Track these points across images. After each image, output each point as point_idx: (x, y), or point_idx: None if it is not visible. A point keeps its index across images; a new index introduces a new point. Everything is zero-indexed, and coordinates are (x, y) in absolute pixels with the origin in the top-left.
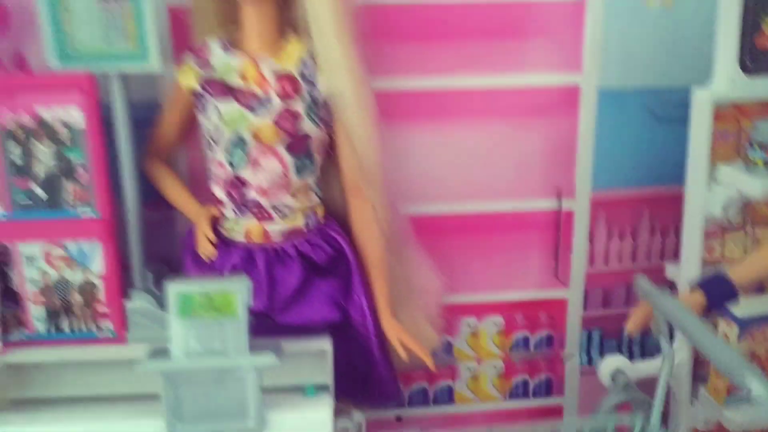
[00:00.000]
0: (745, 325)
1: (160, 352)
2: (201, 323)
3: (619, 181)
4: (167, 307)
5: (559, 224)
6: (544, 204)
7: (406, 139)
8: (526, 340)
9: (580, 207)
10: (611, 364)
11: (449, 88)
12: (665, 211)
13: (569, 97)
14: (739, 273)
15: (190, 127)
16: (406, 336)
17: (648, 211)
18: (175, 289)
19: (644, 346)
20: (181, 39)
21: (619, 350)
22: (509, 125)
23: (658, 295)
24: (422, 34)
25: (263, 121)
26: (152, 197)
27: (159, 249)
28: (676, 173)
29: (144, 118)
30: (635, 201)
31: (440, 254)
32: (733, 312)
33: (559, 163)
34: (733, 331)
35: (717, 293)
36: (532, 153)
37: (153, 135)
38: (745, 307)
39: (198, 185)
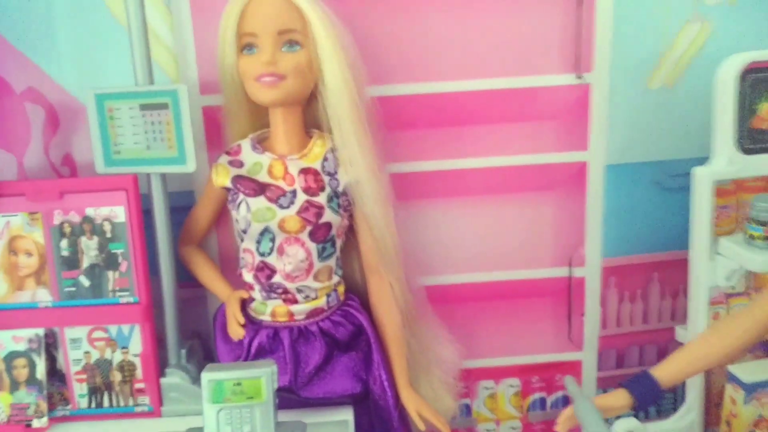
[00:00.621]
0: (752, 390)
1: None
2: (231, 407)
3: (628, 248)
4: (200, 384)
5: (570, 291)
6: (557, 272)
7: (422, 216)
8: (543, 401)
9: (591, 274)
10: (624, 426)
11: (462, 168)
12: (674, 275)
13: (577, 172)
14: (665, 371)
15: (220, 215)
16: (424, 407)
17: (657, 275)
18: (208, 377)
19: (659, 405)
20: (213, 133)
21: (634, 410)
22: (520, 200)
23: (577, 396)
24: (435, 120)
25: (289, 214)
26: (184, 276)
27: (190, 324)
28: (683, 239)
29: (177, 205)
30: (645, 266)
31: (457, 322)
32: (740, 377)
33: (570, 233)
34: (739, 395)
35: (642, 393)
36: (544, 224)
37: (187, 223)
38: (751, 371)
39: (227, 266)
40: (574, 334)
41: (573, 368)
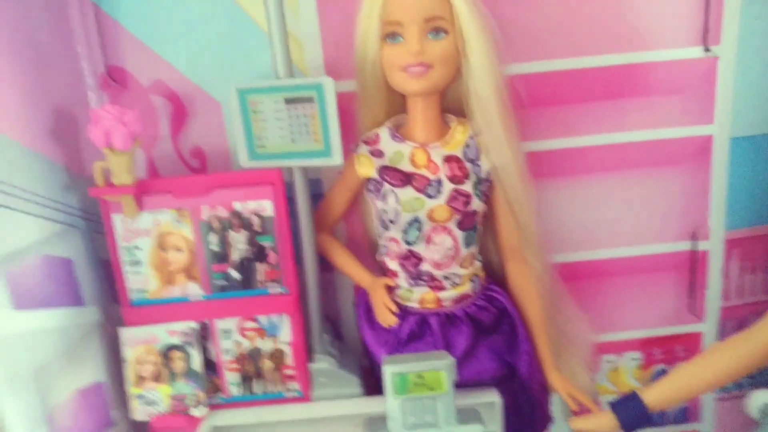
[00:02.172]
0: None
1: (377, 424)
2: (414, 399)
3: (751, 219)
4: (346, 368)
5: (694, 264)
6: (680, 246)
7: (547, 195)
8: (664, 372)
9: (714, 247)
10: (760, 398)
11: (585, 145)
12: None
13: (703, 146)
14: (655, 394)
15: (354, 204)
16: (574, 389)
17: None
18: (390, 370)
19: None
20: (345, 122)
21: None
22: (645, 176)
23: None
24: (560, 98)
25: (438, 203)
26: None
27: (324, 308)
28: None
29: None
30: (766, 237)
31: (581, 297)
32: None
33: (694, 207)
34: None
35: (628, 417)
36: (668, 199)
37: (320, 211)
38: None
39: (355, 252)
40: (696, 306)
41: (694, 340)
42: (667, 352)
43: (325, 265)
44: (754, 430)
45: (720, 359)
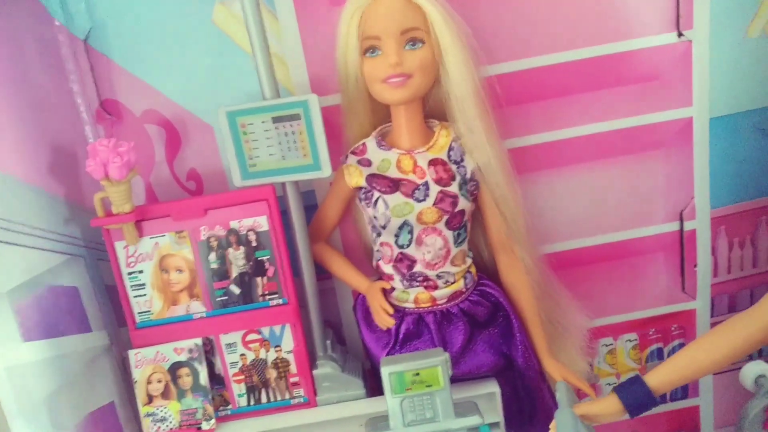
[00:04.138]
0: None
1: (379, 424)
2: (413, 396)
3: (736, 196)
4: (349, 372)
5: (682, 244)
6: (668, 227)
7: (536, 187)
8: (660, 351)
9: (701, 225)
10: (753, 370)
11: (570, 137)
12: None
13: (683, 128)
14: (658, 377)
15: (347, 212)
16: (569, 373)
17: (765, 219)
18: (388, 370)
19: None
20: (328, 133)
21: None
22: (630, 161)
23: (561, 404)
24: (541, 93)
25: (426, 206)
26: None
27: (324, 315)
28: None
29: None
30: (752, 212)
31: (575, 285)
32: None
33: (679, 188)
34: None
35: (633, 400)
36: (654, 182)
37: (315, 221)
38: None
39: (352, 258)
40: (688, 284)
41: (687, 317)
42: (661, 331)
43: (323, 273)
44: (749, 401)
45: (720, 341)
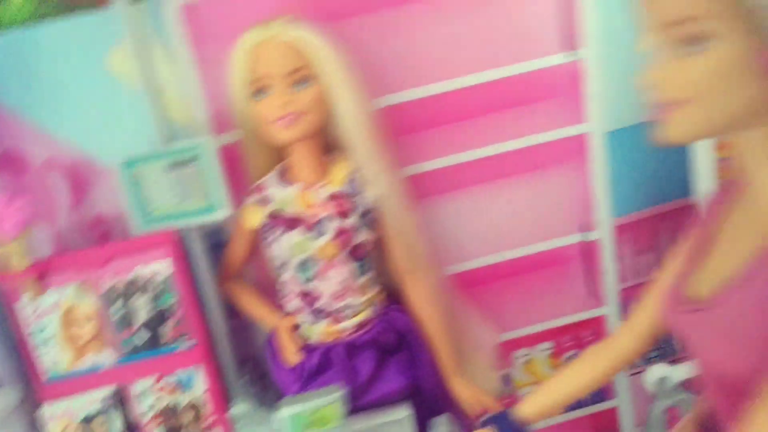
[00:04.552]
0: None
1: None
2: None
3: (636, 205)
4: (266, 407)
5: (588, 254)
6: (573, 238)
7: (441, 210)
8: (576, 357)
9: (604, 235)
10: (655, 373)
11: (471, 159)
12: (680, 222)
13: (580, 144)
14: (528, 407)
15: (257, 249)
16: (476, 392)
17: (664, 224)
18: (286, 413)
19: None
20: (233, 170)
21: (658, 350)
22: (532, 179)
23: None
24: (439, 119)
25: (324, 241)
26: (230, 309)
27: (243, 351)
28: (683, 188)
29: (210, 243)
30: (653, 218)
31: (487, 301)
32: None
33: (581, 201)
34: None
35: (505, 429)
36: (556, 197)
37: (225, 260)
38: None
39: (266, 294)
40: (596, 292)
41: (598, 323)
42: (575, 338)
43: (237, 311)
44: (654, 403)
45: (584, 369)
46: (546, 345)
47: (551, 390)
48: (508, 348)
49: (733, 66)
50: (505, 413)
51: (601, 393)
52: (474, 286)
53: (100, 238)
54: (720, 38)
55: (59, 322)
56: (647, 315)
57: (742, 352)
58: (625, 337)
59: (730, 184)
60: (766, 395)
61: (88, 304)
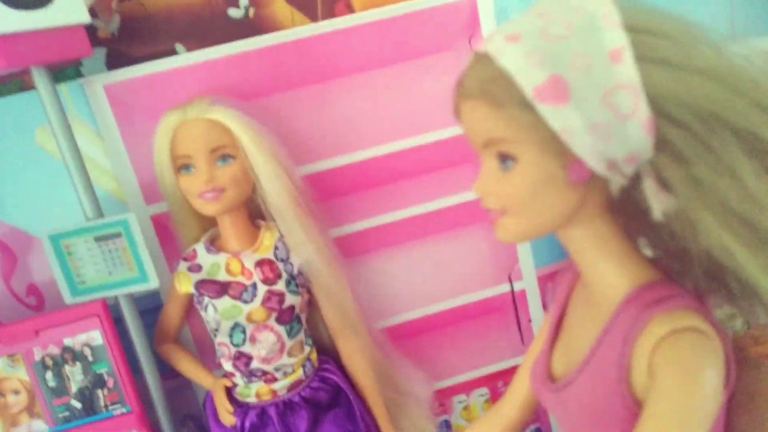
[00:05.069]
0: None
1: None
2: None
3: (556, 256)
4: None
5: (515, 302)
6: (500, 289)
7: (371, 268)
8: None
9: (529, 284)
10: None
11: (396, 219)
12: None
13: None
14: None
15: (190, 310)
16: None
17: None
18: None
19: None
20: (165, 237)
21: None
22: (456, 235)
23: None
24: (362, 183)
25: (254, 307)
26: (166, 370)
27: (182, 409)
28: None
29: (144, 308)
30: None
31: (420, 351)
32: None
33: (504, 254)
34: None
35: None
36: (480, 251)
37: (159, 324)
38: None
39: (204, 353)
40: (526, 338)
41: None
42: (509, 382)
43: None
44: None
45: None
46: (482, 390)
47: None
48: (447, 394)
49: (539, 182)
50: None
51: None
52: (408, 338)
53: (32, 309)
54: (525, 158)
55: None
56: (523, 387)
57: (595, 430)
58: (508, 406)
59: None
60: None
61: (19, 375)
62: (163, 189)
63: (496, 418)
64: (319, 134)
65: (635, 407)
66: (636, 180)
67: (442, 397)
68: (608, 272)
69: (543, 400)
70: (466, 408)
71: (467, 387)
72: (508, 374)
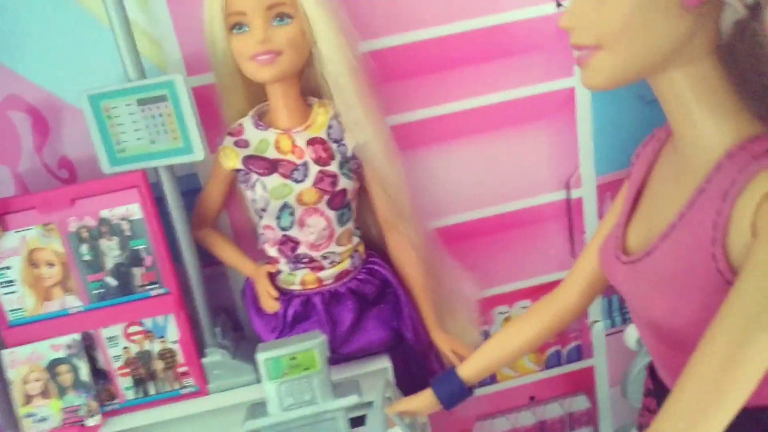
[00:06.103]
0: None
1: (257, 410)
2: (290, 381)
3: (620, 163)
4: (240, 358)
5: (570, 211)
6: (555, 196)
7: (423, 162)
8: None
9: (587, 193)
10: (635, 331)
11: (454, 111)
12: None
13: (566, 99)
14: (470, 368)
15: (231, 195)
16: (456, 344)
17: None
18: (263, 356)
19: None
20: (206, 113)
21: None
22: (515, 133)
23: (375, 406)
24: (422, 68)
25: (305, 187)
26: (203, 257)
27: (217, 301)
28: None
29: (183, 189)
30: None
31: (468, 256)
32: None
33: (564, 158)
34: None
35: (446, 393)
36: (539, 153)
37: (198, 207)
38: None
39: (242, 242)
40: (577, 251)
41: None
42: None
43: (213, 258)
44: (634, 360)
45: (524, 326)
46: (525, 302)
47: (491, 350)
48: (488, 304)
49: (645, 3)
50: (449, 375)
51: (578, 352)
52: (456, 241)
53: (64, 182)
54: None
55: (23, 264)
56: (588, 269)
57: (674, 303)
58: (567, 292)
59: (660, 132)
60: (704, 347)
61: (53, 247)
62: (211, 51)
63: (551, 305)
64: (382, 7)
65: (728, 273)
66: (755, 10)
67: (484, 308)
68: (709, 125)
69: (614, 276)
70: (507, 319)
71: (510, 298)
72: (553, 287)
